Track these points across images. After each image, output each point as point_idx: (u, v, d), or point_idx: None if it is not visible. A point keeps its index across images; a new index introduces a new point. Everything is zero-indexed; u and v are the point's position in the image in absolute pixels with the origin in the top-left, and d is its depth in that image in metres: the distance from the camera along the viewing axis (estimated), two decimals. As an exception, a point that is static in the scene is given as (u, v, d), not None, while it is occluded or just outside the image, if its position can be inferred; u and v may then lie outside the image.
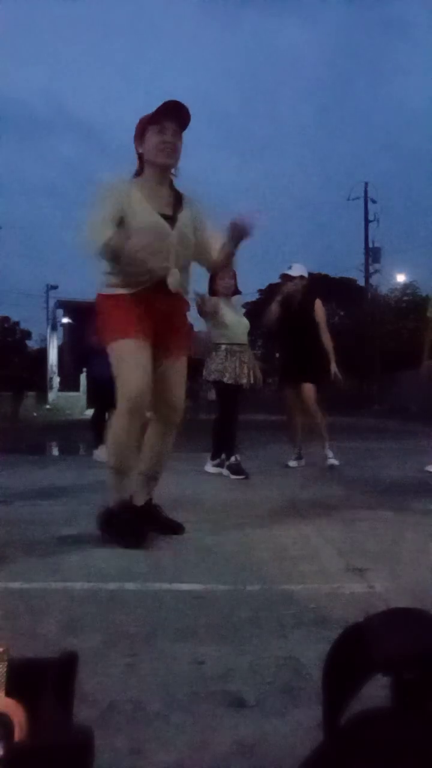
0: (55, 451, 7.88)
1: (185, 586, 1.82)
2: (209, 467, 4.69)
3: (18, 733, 0.48)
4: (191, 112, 2.50)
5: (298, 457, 5.17)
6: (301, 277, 5.35)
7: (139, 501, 2.62)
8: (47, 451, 7.96)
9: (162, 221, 2.49)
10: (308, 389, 5.17)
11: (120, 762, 0.92)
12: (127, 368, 2.43)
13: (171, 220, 2.52)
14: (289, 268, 5.36)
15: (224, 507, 3.15)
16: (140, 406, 2.45)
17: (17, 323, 48.60)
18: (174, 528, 2.59)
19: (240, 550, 2.28)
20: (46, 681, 0.53)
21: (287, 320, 5.22)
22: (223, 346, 4.60)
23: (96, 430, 6.18)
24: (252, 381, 4.71)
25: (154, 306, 2.49)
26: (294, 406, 5.26)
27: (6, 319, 47.15)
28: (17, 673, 0.51)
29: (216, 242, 2.63)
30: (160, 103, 2.46)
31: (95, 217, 2.42)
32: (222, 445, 4.67)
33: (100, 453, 5.91)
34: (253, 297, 43.71)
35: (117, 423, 2.48)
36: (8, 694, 0.50)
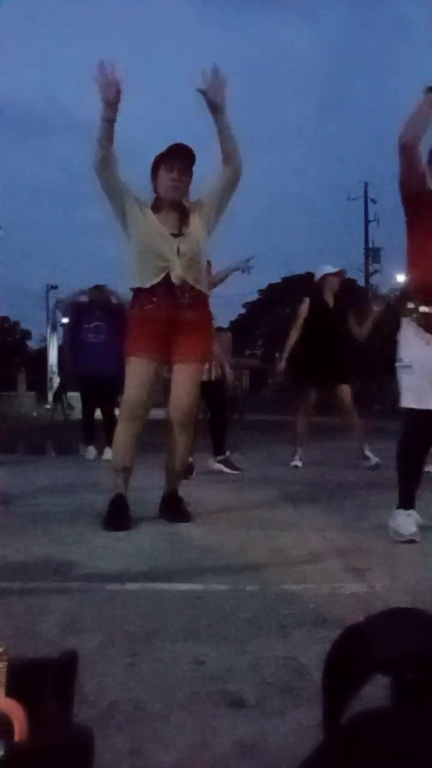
0: (55, 451, 7.87)
1: (185, 586, 1.82)
2: (213, 464, 4.68)
3: (18, 733, 0.48)
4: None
5: (300, 457, 5.14)
6: (339, 274, 5.39)
7: (165, 490, 2.99)
8: (47, 451, 7.95)
9: (164, 231, 2.83)
10: (348, 389, 5.19)
11: (120, 762, 0.92)
12: (129, 381, 2.88)
13: (176, 236, 2.84)
14: (329, 268, 5.38)
15: (224, 507, 3.15)
16: (136, 414, 2.89)
17: (17, 323, 48.61)
18: (179, 517, 2.81)
19: (240, 550, 2.28)
20: (46, 681, 0.53)
21: (321, 319, 5.16)
22: None
23: (84, 431, 6.18)
24: (213, 377, 4.62)
25: (167, 320, 2.82)
26: (311, 407, 5.23)
27: (6, 319, 47.14)
28: (17, 673, 0.51)
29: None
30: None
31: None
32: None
33: (89, 454, 5.92)
34: (254, 296, 43.78)
35: (118, 427, 2.98)
36: (8, 694, 0.50)
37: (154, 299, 2.83)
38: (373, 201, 29.39)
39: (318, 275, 5.44)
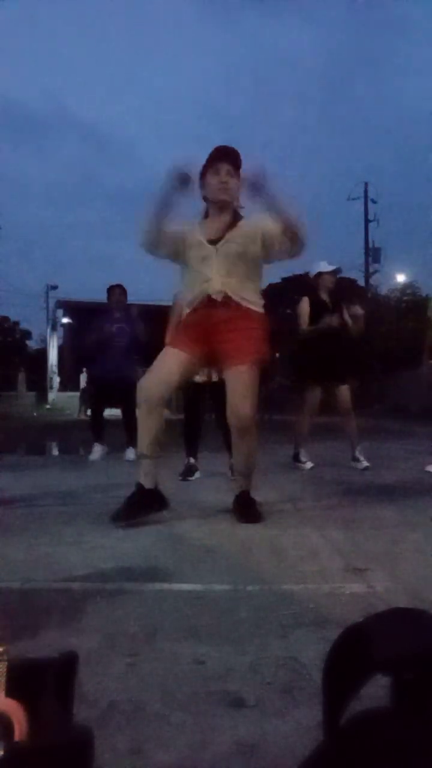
0: (55, 451, 7.88)
1: (185, 586, 1.82)
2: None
3: (18, 733, 0.48)
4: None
5: (307, 458, 5.07)
6: (335, 272, 5.32)
7: (234, 490, 3.06)
8: (47, 451, 7.95)
9: (203, 243, 2.88)
10: (347, 390, 5.15)
11: (120, 762, 0.92)
12: (152, 367, 2.87)
13: (218, 241, 2.87)
14: (324, 265, 5.29)
15: (224, 507, 3.15)
16: (149, 400, 2.78)
17: (17, 323, 48.66)
18: (247, 517, 2.82)
19: (240, 550, 2.28)
20: (46, 681, 0.53)
21: (320, 318, 5.10)
22: None
23: (93, 430, 6.17)
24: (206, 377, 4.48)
25: (209, 318, 2.84)
26: (315, 406, 5.17)
27: (6, 319, 47.17)
28: (17, 673, 0.51)
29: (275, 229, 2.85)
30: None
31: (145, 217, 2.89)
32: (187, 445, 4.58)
33: (95, 454, 5.90)
34: (253, 297, 43.63)
35: (137, 413, 2.87)
36: (8, 694, 0.50)
37: (195, 309, 2.91)
38: (373, 201, 29.45)
39: (312, 273, 5.38)
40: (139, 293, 11.78)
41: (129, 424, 5.76)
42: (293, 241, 2.81)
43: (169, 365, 2.83)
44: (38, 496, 3.61)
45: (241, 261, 2.86)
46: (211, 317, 2.84)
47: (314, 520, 2.83)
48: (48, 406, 27.27)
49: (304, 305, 5.23)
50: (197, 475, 4.40)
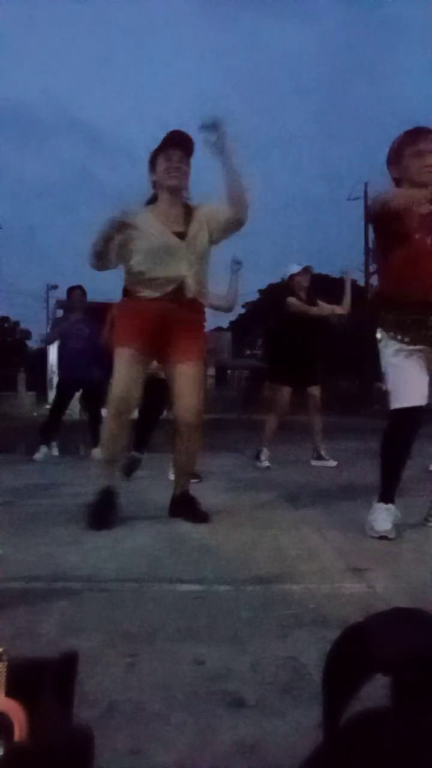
0: (55, 451, 7.87)
1: (185, 586, 1.82)
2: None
3: (18, 733, 0.48)
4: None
5: (267, 458, 5.09)
6: (305, 270, 5.34)
7: (175, 492, 2.98)
8: (47, 451, 7.94)
9: (172, 237, 2.78)
10: (317, 390, 5.24)
11: (120, 762, 0.92)
12: (117, 375, 2.77)
13: (182, 234, 2.80)
14: (294, 267, 5.33)
15: (224, 507, 3.15)
16: (122, 409, 2.80)
17: (17, 323, 48.67)
18: (199, 518, 2.79)
19: (240, 550, 2.28)
20: (46, 681, 0.53)
21: (297, 320, 5.18)
22: None
23: (45, 430, 6.17)
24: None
25: (163, 315, 2.77)
26: (285, 406, 5.23)
27: (6, 319, 47.18)
28: (17, 673, 0.51)
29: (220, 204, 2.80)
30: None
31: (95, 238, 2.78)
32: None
33: (40, 454, 5.91)
34: (254, 297, 43.74)
35: (106, 421, 2.88)
36: (8, 694, 0.50)
37: (154, 300, 2.80)
38: (373, 201, 29.43)
39: (285, 277, 5.43)
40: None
41: (94, 426, 5.74)
42: (238, 205, 2.75)
43: (134, 373, 2.78)
44: (38, 495, 3.61)
45: (204, 260, 2.86)
46: (171, 313, 2.77)
47: (314, 520, 2.84)
48: (48, 406, 27.26)
49: (292, 300, 5.28)
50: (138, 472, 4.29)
